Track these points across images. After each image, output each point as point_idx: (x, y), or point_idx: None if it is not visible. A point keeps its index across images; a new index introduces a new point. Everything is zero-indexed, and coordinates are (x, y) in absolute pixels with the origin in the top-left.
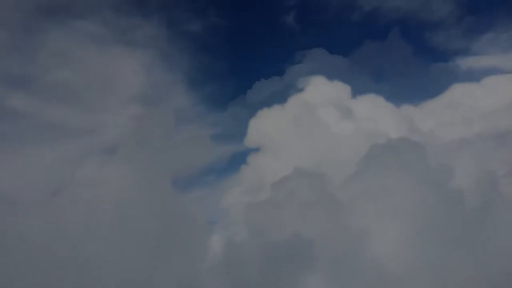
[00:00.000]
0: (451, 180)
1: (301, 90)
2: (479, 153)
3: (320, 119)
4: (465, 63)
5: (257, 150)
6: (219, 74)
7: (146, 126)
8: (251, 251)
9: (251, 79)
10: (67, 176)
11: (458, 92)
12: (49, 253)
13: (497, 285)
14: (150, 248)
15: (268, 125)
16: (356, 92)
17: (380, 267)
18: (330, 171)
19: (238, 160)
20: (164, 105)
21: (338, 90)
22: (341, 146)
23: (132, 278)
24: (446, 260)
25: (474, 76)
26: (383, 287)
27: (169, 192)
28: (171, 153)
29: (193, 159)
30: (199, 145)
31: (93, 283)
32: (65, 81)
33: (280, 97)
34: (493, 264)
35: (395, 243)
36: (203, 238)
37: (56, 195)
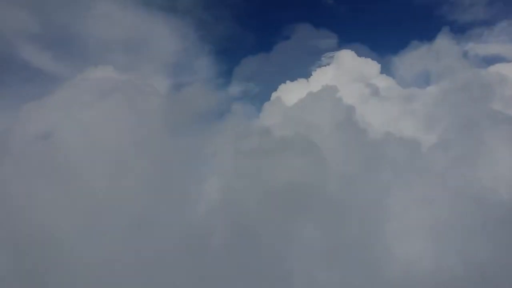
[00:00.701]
0: None
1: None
2: None
3: None
4: None
5: None
6: (247, 46)
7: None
8: (247, 197)
9: (279, 54)
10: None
11: None
12: (42, 195)
13: None
14: (147, 190)
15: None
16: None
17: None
18: None
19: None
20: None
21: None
22: None
23: (132, 220)
24: None
25: None
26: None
27: (166, 137)
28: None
29: (194, 107)
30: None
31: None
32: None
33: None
34: None
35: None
36: (199, 182)
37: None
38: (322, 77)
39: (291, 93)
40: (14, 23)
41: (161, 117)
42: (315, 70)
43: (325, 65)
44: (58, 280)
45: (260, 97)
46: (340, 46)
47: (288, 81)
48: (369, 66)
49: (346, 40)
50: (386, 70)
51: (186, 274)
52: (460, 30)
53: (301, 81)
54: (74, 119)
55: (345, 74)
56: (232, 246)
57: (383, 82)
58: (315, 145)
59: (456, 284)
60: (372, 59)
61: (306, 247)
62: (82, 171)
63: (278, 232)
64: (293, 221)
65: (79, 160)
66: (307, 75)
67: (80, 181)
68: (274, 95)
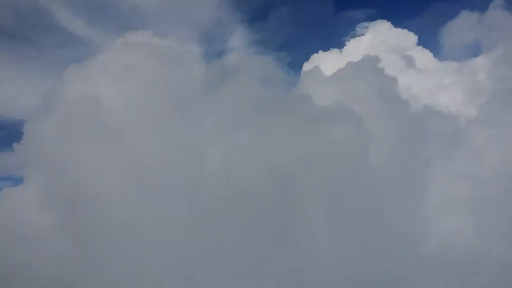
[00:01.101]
0: None
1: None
2: None
3: None
4: None
5: None
6: (279, 16)
7: None
8: (289, 164)
9: (312, 24)
10: None
11: None
12: (86, 155)
13: None
14: (189, 152)
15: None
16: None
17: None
18: None
19: None
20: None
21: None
22: None
23: (174, 181)
24: None
25: None
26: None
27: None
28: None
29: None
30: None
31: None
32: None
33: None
34: None
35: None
36: (239, 147)
37: None
38: (356, 47)
39: (324, 63)
40: None
41: (202, 83)
42: (349, 41)
43: (360, 36)
44: (102, 237)
45: (292, 66)
46: (376, 16)
47: (320, 51)
48: (406, 38)
49: (383, 10)
50: (423, 42)
51: (232, 232)
52: None
53: (334, 51)
54: (117, 82)
55: (380, 45)
56: (276, 210)
57: (420, 54)
58: (356, 115)
59: (492, 260)
60: (409, 30)
61: (345, 215)
62: (126, 133)
63: (318, 198)
64: (334, 189)
65: (122, 122)
66: (340, 45)
67: (124, 142)
68: (306, 65)
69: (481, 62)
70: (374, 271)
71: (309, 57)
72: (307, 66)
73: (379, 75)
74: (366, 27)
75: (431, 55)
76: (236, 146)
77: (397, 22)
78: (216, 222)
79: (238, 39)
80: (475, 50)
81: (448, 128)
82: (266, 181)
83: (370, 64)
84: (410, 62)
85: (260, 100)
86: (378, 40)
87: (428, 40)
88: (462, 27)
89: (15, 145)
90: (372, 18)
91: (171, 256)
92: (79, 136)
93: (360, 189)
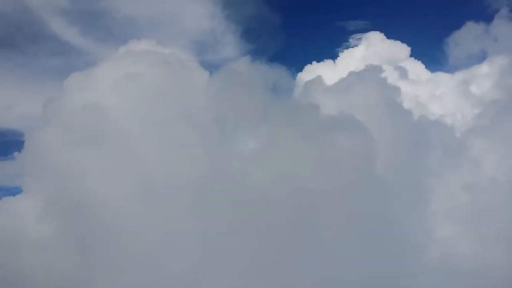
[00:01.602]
0: None
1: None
2: None
3: None
4: None
5: None
6: (273, 27)
7: None
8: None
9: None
10: None
11: None
12: (90, 163)
13: None
14: (194, 160)
15: None
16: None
17: None
18: None
19: None
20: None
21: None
22: None
23: (179, 189)
24: None
25: None
26: None
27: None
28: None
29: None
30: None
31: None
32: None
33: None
34: None
35: None
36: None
37: None
38: (350, 58)
39: (318, 73)
40: None
41: (205, 91)
42: (342, 52)
43: (353, 47)
44: (104, 246)
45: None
46: (369, 28)
47: (314, 62)
48: (399, 49)
49: (375, 22)
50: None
51: (239, 239)
52: None
53: (328, 62)
54: (121, 90)
55: (374, 56)
56: (284, 217)
57: (413, 65)
58: (362, 124)
59: (493, 269)
60: (402, 42)
61: (347, 223)
62: (130, 141)
63: (324, 205)
64: (340, 196)
65: (126, 130)
66: (334, 56)
67: (128, 150)
68: (300, 75)
69: (475, 74)
70: (377, 279)
71: (303, 67)
72: (302, 77)
73: (382, 84)
74: (359, 38)
75: (423, 66)
76: (242, 153)
77: (390, 34)
78: (223, 229)
79: (232, 49)
80: (474, 61)
81: (447, 137)
82: (273, 188)
83: (372, 73)
84: (403, 73)
85: (266, 108)
86: (372, 51)
87: (421, 51)
88: (466, 37)
89: (16, 154)
90: (365, 30)
91: (177, 264)
92: (82, 144)
93: (365, 196)
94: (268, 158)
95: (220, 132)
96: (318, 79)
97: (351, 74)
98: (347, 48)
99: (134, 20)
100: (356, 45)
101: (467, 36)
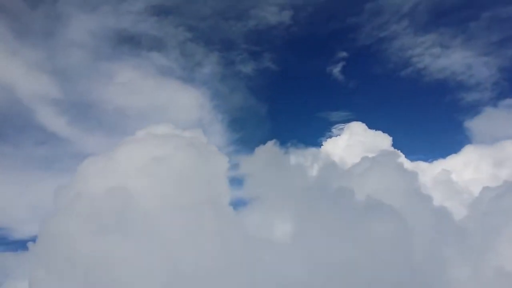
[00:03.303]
0: None
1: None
2: None
3: None
4: None
5: None
6: (258, 116)
7: None
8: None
9: (289, 125)
10: None
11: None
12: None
13: None
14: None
15: None
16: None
17: None
18: None
19: None
20: None
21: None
22: None
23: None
24: None
25: None
26: None
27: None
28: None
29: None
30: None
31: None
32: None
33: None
34: None
35: None
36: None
37: None
38: (333, 147)
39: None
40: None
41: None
42: (326, 140)
43: (336, 136)
44: None
45: None
46: (351, 119)
47: (298, 151)
48: (380, 139)
49: (357, 113)
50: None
51: None
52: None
53: (312, 150)
54: (145, 173)
55: (356, 145)
56: None
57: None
58: (394, 210)
59: None
60: (383, 131)
61: None
62: (155, 225)
63: None
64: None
65: (152, 215)
66: (317, 144)
67: (154, 235)
68: None
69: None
70: None
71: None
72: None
73: (400, 169)
74: (342, 129)
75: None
76: (276, 242)
77: (371, 124)
78: None
79: (219, 138)
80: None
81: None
82: (310, 280)
83: (389, 159)
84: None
85: (298, 193)
86: (354, 141)
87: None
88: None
89: (29, 244)
90: (347, 120)
91: None
92: (103, 231)
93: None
94: (303, 248)
95: (250, 217)
96: (333, 164)
97: (364, 159)
98: (330, 137)
99: (124, 111)
100: (339, 135)
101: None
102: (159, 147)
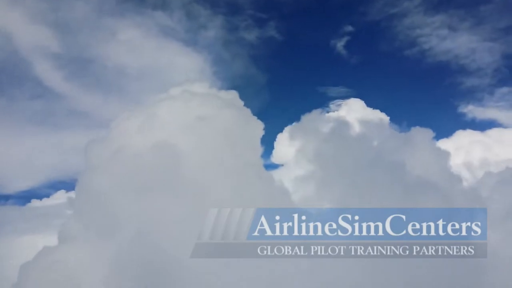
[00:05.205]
0: None
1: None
2: None
3: None
4: None
5: None
6: (257, 86)
7: None
8: None
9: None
10: None
11: None
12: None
13: None
14: None
15: None
16: None
17: None
18: None
19: None
20: None
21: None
22: None
23: None
24: None
25: None
26: None
27: None
28: None
29: None
30: None
31: None
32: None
33: None
34: None
35: None
36: None
37: None
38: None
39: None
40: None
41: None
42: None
43: (333, 112)
44: None
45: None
46: (350, 95)
47: (295, 123)
48: (378, 118)
49: (357, 90)
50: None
51: None
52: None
53: None
54: (186, 131)
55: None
56: None
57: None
58: None
59: None
60: (381, 110)
61: None
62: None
63: None
64: None
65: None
66: None
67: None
68: (280, 136)
69: None
70: None
71: (283, 128)
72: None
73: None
74: (340, 105)
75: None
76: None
77: (370, 102)
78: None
79: None
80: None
81: None
82: None
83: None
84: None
85: None
86: (351, 118)
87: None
88: None
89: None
90: (346, 97)
91: None
92: (143, 189)
93: None
94: None
95: None
96: None
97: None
98: (327, 112)
99: (123, 70)
100: (337, 110)
101: None
102: (199, 106)
